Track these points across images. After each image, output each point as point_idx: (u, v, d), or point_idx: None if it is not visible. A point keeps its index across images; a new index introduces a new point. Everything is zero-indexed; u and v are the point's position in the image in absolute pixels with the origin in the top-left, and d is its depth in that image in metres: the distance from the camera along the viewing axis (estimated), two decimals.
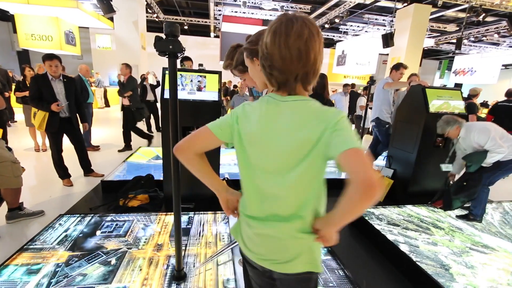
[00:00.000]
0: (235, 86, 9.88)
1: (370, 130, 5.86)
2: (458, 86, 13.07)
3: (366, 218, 2.60)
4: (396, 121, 3.49)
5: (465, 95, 4.25)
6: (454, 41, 10.67)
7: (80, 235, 2.22)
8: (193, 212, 2.63)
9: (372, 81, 4.36)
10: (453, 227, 2.59)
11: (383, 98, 3.84)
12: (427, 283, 1.87)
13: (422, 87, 3.10)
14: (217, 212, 2.68)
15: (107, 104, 11.67)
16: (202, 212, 2.65)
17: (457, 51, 11.51)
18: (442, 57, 19.15)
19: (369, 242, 2.47)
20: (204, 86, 2.57)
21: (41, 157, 4.49)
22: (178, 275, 1.75)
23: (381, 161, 4.63)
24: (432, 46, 13.50)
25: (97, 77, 11.04)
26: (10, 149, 2.55)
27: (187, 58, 4.27)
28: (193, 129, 2.66)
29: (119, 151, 5.07)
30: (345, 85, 6.53)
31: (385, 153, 4.84)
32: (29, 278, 1.72)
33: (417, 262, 2.00)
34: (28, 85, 4.71)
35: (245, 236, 0.89)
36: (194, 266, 1.91)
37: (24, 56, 12.79)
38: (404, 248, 2.18)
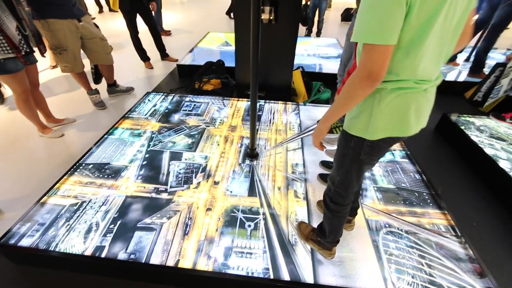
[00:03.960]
0: None
1: None
2: None
3: (463, 127, 2.21)
4: None
5: None
6: None
7: (166, 110, 2.49)
8: (263, 100, 2.62)
9: None
10: None
11: None
12: None
13: None
14: (287, 102, 2.61)
15: None
16: (273, 102, 2.62)
17: None
18: None
19: (458, 154, 2.18)
20: None
21: (126, 40, 4.79)
22: (251, 153, 1.90)
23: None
24: None
25: None
26: (97, 27, 2.68)
27: None
28: (265, 3, 2.27)
29: None
30: None
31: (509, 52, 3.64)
32: (134, 139, 2.10)
33: None
34: None
35: (413, 114, 0.80)
36: (265, 148, 2.02)
37: None
38: (503, 164, 1.85)
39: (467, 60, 3.73)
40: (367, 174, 1.82)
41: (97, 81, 2.93)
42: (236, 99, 2.67)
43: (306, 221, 1.49)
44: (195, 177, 1.75)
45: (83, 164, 1.83)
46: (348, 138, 0.91)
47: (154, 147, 2.02)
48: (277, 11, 2.29)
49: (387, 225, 1.50)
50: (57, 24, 2.17)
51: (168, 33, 5.16)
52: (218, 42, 4.31)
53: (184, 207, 1.54)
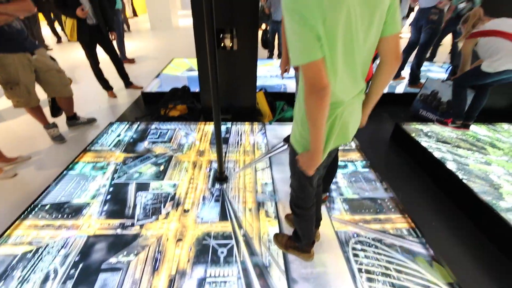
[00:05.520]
0: None
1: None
2: None
3: (413, 134, 2.42)
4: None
5: None
6: None
7: (131, 140, 2.42)
8: (230, 123, 2.67)
9: None
10: None
11: None
12: (470, 200, 1.81)
13: None
14: (254, 123, 2.68)
15: (134, 13, 11.07)
16: (240, 123, 2.68)
17: None
18: None
19: (412, 160, 2.37)
20: None
21: (87, 72, 4.65)
22: (220, 177, 1.90)
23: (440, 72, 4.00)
24: None
25: None
26: (53, 59, 2.59)
27: None
28: (225, 32, 2.40)
29: None
30: None
31: (445, 65, 4.15)
32: (96, 173, 2.01)
33: (462, 180, 1.90)
34: None
35: (338, 131, 0.94)
36: (234, 171, 2.04)
37: None
38: (450, 166, 2.05)
39: None
40: (333, 186, 1.91)
41: (55, 114, 2.78)
42: (203, 123, 2.69)
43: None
44: (164, 207, 1.70)
45: (39, 205, 1.69)
46: (294, 149, 1.05)
47: (118, 179, 1.94)
48: (236, 38, 2.42)
49: (355, 235, 1.56)
50: (6, 58, 2.07)
51: (131, 61, 5.12)
52: (183, 67, 4.36)
53: (153, 240, 1.48)
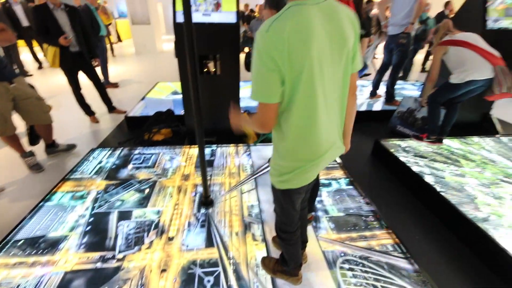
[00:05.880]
0: (252, 11, 8.85)
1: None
2: None
3: (392, 150, 2.52)
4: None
5: None
6: None
7: (113, 166, 2.37)
8: (215, 145, 2.68)
9: None
10: (486, 159, 2.46)
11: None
12: (448, 212, 1.88)
13: None
14: (239, 145, 2.71)
15: (119, 39, 11.18)
16: (225, 145, 2.69)
17: None
18: None
19: (392, 175, 2.45)
20: (220, 5, 2.24)
21: (69, 97, 4.59)
22: (206, 201, 1.88)
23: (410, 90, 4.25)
24: None
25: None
26: (32, 87, 2.55)
27: None
28: (209, 58, 2.48)
29: None
30: None
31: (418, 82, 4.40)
32: (75, 202, 1.93)
33: (440, 193, 1.97)
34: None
35: (309, 172, 0.98)
36: (220, 194, 2.02)
37: None
38: (428, 179, 2.13)
39: None
40: (318, 205, 1.92)
41: (33, 142, 2.69)
42: (188, 146, 2.68)
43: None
44: (147, 236, 1.64)
45: (11, 241, 1.59)
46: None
47: (99, 208, 1.87)
48: (219, 61, 2.50)
49: (342, 254, 1.56)
50: None
51: (115, 85, 5.10)
52: (168, 91, 4.40)
53: (135, 272, 1.42)
